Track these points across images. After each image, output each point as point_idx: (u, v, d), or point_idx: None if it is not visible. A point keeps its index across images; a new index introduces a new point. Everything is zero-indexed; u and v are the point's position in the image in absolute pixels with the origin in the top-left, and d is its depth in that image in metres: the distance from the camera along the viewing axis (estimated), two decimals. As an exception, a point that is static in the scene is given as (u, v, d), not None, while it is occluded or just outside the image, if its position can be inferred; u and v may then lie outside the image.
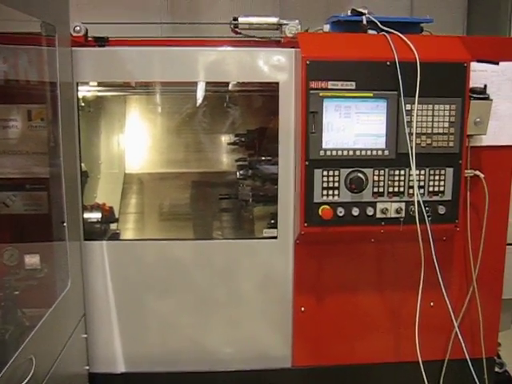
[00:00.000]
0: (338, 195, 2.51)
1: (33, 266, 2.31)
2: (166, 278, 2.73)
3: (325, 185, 2.49)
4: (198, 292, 2.76)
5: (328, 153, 2.47)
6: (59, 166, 2.28)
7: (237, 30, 2.75)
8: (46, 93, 2.30)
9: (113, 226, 3.01)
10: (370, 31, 2.61)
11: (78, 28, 2.57)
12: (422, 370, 2.54)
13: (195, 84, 2.92)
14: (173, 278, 2.74)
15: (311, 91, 2.42)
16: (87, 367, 2.69)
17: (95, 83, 2.78)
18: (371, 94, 2.46)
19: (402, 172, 2.52)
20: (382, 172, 2.51)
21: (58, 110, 2.24)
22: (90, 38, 2.70)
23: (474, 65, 2.54)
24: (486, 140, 2.67)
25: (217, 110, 3.39)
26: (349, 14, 2.69)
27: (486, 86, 2.57)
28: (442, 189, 2.55)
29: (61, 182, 2.29)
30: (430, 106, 2.49)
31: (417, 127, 2.48)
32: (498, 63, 2.64)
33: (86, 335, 2.66)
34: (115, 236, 2.98)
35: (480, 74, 2.61)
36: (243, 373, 2.79)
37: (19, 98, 2.35)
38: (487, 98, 2.57)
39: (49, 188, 2.40)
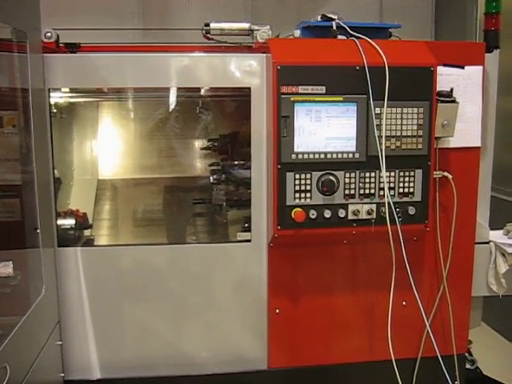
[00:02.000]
0: (310, 198, 2.54)
1: (6, 274, 2.29)
2: (141, 283, 2.73)
3: (297, 188, 2.52)
4: (173, 296, 2.76)
5: (300, 156, 2.51)
6: (32, 172, 2.28)
7: (208, 35, 2.77)
8: (17, 99, 2.29)
9: (86, 232, 3.00)
10: (340, 36, 2.65)
11: (49, 34, 2.56)
12: (395, 368, 2.58)
13: (168, 90, 2.93)
14: (147, 283, 2.73)
15: (282, 96, 2.45)
16: (62, 374, 2.67)
17: (67, 89, 2.77)
18: (341, 98, 2.50)
19: (373, 174, 2.56)
20: (352, 174, 2.55)
21: (30, 117, 2.24)
22: (61, 45, 2.69)
23: (440, 69, 2.60)
24: (454, 142, 2.73)
25: (189, 115, 3.40)
26: (319, 19, 2.73)
27: (452, 89, 2.64)
28: (411, 190, 2.60)
29: (33, 189, 2.28)
30: (399, 110, 2.54)
31: (386, 130, 2.53)
32: (463, 67, 2.71)
33: (60, 342, 2.64)
34: (89, 242, 2.97)
35: (446, 77, 2.67)
36: (219, 376, 2.80)
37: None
38: (454, 101, 2.62)
39: (21, 195, 2.38)
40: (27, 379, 2.09)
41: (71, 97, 2.93)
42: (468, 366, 3.10)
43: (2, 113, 2.34)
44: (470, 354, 3.12)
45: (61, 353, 2.66)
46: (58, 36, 2.63)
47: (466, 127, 2.76)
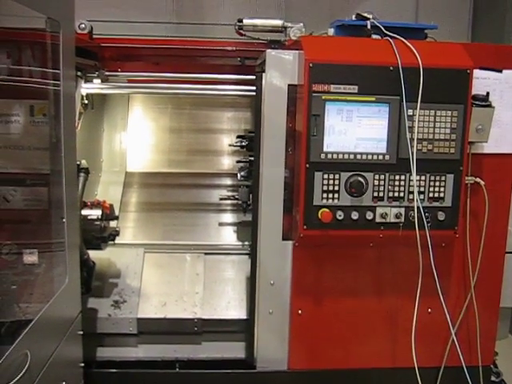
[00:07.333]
0: (338, 199, 2.50)
1: (31, 261, 2.31)
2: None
3: (325, 188, 2.48)
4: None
5: (329, 156, 2.47)
6: (60, 161, 2.28)
7: (241, 31, 2.76)
8: (48, 89, 2.30)
9: (112, 224, 3.00)
10: (374, 36, 2.61)
11: (83, 25, 2.58)
12: (418, 376, 2.53)
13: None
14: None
15: (314, 94, 2.42)
16: (82, 364, 2.68)
17: (99, 81, 2.79)
18: (373, 99, 2.46)
19: (403, 177, 2.51)
20: (382, 176, 2.51)
21: (61, 106, 2.24)
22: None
23: (476, 72, 2.54)
24: (488, 147, 2.66)
25: (220, 110, 3.40)
26: (353, 18, 2.69)
27: (488, 93, 2.57)
28: (442, 195, 2.54)
29: (61, 178, 2.29)
30: (432, 112, 2.48)
31: (418, 133, 2.48)
32: (501, 71, 2.64)
33: (81, 332, 2.65)
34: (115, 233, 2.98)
35: (482, 81, 2.61)
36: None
37: (22, 93, 2.36)
38: (489, 106, 2.56)
39: (49, 184, 2.40)
40: (47, 366, 2.09)
41: (102, 88, 2.94)
42: (493, 378, 3.02)
43: (33, 101, 2.35)
44: (496, 366, 3.04)
45: (82, 342, 2.66)
46: (92, 27, 2.64)
47: (501, 133, 2.69)
